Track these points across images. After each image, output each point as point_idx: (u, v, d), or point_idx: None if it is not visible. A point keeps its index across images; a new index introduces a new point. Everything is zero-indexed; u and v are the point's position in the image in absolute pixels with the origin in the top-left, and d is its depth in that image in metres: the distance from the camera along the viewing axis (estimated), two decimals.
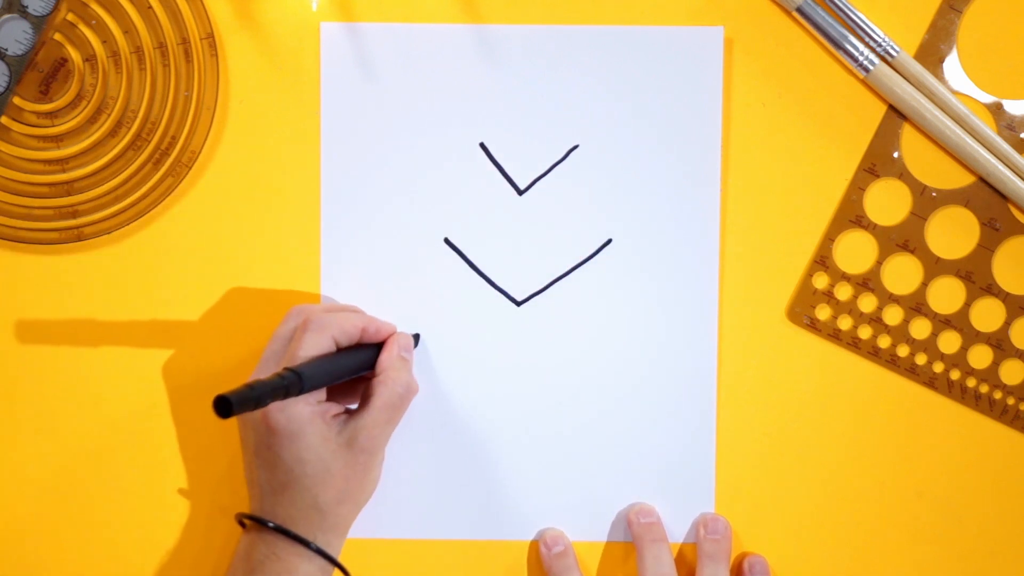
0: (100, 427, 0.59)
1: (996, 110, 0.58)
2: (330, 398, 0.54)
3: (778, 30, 0.58)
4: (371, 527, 0.59)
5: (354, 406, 0.55)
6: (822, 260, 0.59)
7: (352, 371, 0.54)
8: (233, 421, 0.55)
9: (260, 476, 0.52)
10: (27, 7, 0.56)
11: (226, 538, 0.59)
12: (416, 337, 0.59)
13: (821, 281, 0.59)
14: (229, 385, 0.58)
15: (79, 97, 0.57)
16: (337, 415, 0.53)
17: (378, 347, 0.55)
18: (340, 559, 0.53)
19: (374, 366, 0.55)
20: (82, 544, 0.60)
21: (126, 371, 0.59)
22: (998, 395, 0.59)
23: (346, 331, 0.54)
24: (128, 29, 0.57)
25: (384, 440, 0.54)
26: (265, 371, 0.53)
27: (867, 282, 0.59)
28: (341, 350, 0.54)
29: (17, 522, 0.59)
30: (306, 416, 0.51)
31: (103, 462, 0.59)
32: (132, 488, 0.60)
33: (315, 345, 0.52)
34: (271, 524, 0.52)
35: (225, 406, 0.44)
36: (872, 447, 0.59)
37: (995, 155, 0.58)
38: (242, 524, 0.54)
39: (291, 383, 0.48)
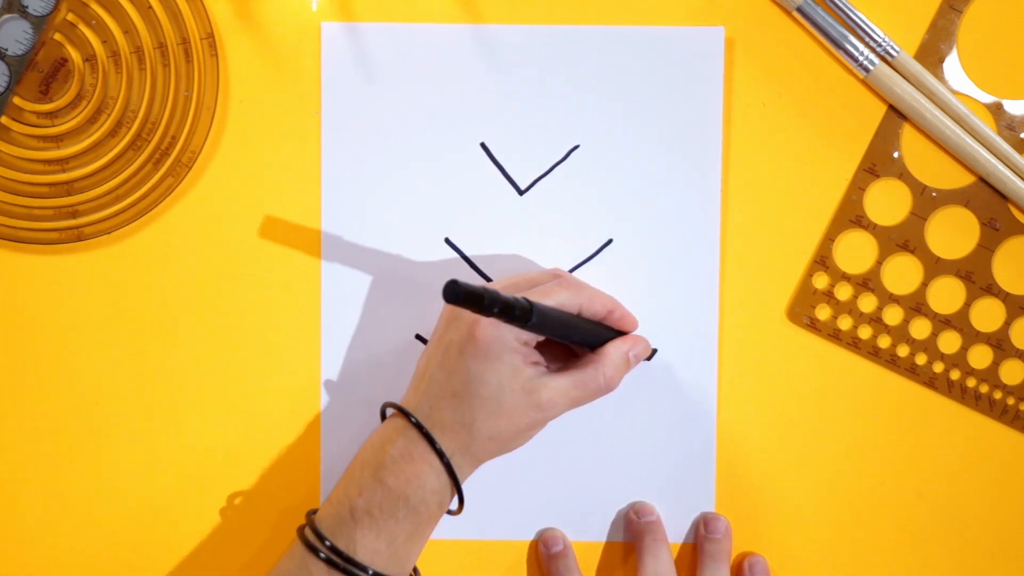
0: (100, 427, 0.59)
1: (996, 110, 0.58)
2: (542, 351, 0.54)
3: (778, 30, 0.58)
4: None
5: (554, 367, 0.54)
6: (822, 260, 0.59)
7: (580, 339, 0.53)
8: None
9: (436, 375, 0.52)
10: (27, 7, 0.56)
11: (226, 536, 0.59)
12: (654, 352, 0.59)
13: (821, 281, 0.59)
14: (229, 388, 0.59)
15: (79, 97, 0.57)
16: (537, 363, 0.52)
17: (614, 334, 0.55)
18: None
19: (595, 348, 0.54)
20: (83, 544, 0.60)
21: (126, 371, 0.59)
22: (998, 395, 0.59)
23: (594, 303, 0.53)
24: (128, 29, 0.57)
25: (561, 410, 0.52)
26: (510, 286, 0.53)
27: (867, 282, 0.59)
28: (582, 318, 0.53)
29: (17, 522, 0.59)
30: (511, 345, 0.51)
31: (103, 462, 0.59)
32: (132, 488, 0.59)
33: (562, 301, 0.52)
34: (423, 428, 0.51)
35: (454, 293, 0.43)
36: (872, 447, 0.59)
37: (995, 155, 0.58)
38: (383, 414, 0.53)
39: (522, 311, 0.46)
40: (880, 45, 0.57)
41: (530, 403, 0.51)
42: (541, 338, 0.53)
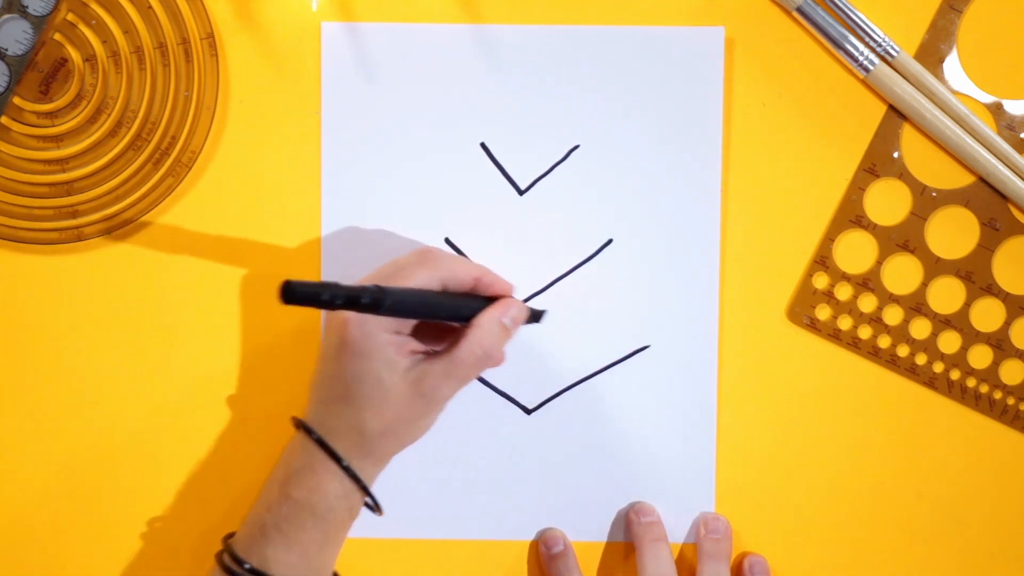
0: (100, 427, 0.59)
1: (996, 110, 0.58)
2: (422, 337, 0.53)
3: (778, 30, 0.58)
4: (372, 527, 0.59)
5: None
6: (822, 260, 0.59)
7: (445, 315, 0.52)
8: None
9: (322, 382, 0.52)
10: (27, 7, 0.56)
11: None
12: (540, 314, 0.57)
13: (821, 281, 0.59)
14: (230, 385, 0.59)
15: (79, 97, 0.57)
16: (415, 352, 0.52)
17: (485, 303, 0.53)
18: (374, 493, 0.52)
19: (470, 320, 0.53)
20: (83, 544, 0.60)
21: (126, 371, 0.59)
22: (998, 395, 0.59)
23: (457, 275, 0.52)
24: (128, 29, 0.57)
25: (448, 392, 0.52)
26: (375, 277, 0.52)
27: (867, 282, 0.59)
28: (446, 293, 0.52)
29: (17, 522, 0.59)
30: (381, 340, 0.50)
31: (103, 462, 0.59)
32: (133, 488, 0.59)
33: (423, 279, 0.51)
34: (314, 435, 0.51)
35: (290, 294, 0.42)
36: (872, 447, 0.59)
37: (995, 155, 0.58)
38: (296, 427, 0.53)
39: (371, 298, 0.45)
40: (880, 45, 0.57)
41: (414, 393, 0.51)
42: (413, 323, 0.52)
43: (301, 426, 0.52)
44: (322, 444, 0.51)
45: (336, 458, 0.51)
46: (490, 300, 0.53)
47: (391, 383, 0.51)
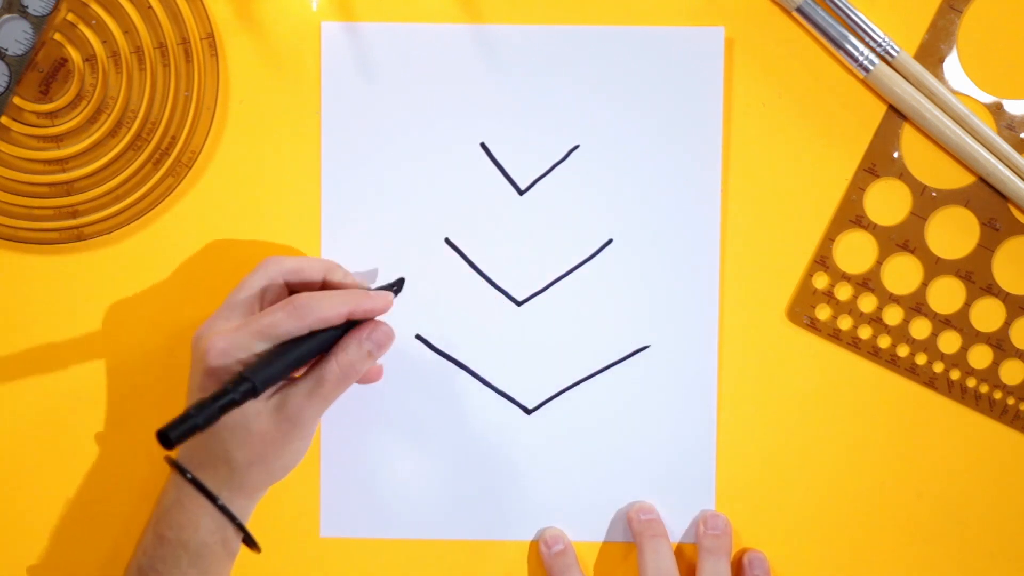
0: (101, 427, 0.59)
1: (996, 110, 0.58)
2: None
3: (778, 30, 0.58)
4: (372, 527, 0.59)
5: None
6: (822, 260, 0.59)
7: (316, 354, 0.52)
8: None
9: None
10: (27, 7, 0.56)
11: None
12: (400, 282, 0.56)
13: (821, 281, 0.59)
14: None
15: (79, 97, 0.57)
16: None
17: (340, 332, 0.53)
18: (254, 528, 0.52)
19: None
20: (83, 543, 0.60)
21: (126, 371, 0.59)
22: (998, 395, 0.59)
23: (328, 321, 0.51)
24: (128, 29, 0.57)
25: (311, 414, 0.51)
26: (228, 319, 0.51)
27: (867, 282, 0.59)
28: (305, 338, 0.51)
29: (18, 522, 0.59)
30: (240, 369, 0.49)
31: (104, 462, 0.59)
32: (134, 488, 0.59)
33: (289, 332, 0.50)
34: (188, 474, 0.51)
35: (167, 441, 0.44)
36: (872, 447, 0.59)
37: (995, 155, 0.58)
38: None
39: (244, 395, 0.47)
40: (880, 45, 0.57)
41: (278, 417, 0.50)
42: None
43: (171, 463, 0.52)
44: (191, 480, 0.50)
45: (207, 493, 0.50)
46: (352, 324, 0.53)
47: (253, 411, 0.50)
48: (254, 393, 0.47)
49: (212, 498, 0.50)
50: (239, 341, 0.50)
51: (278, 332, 0.50)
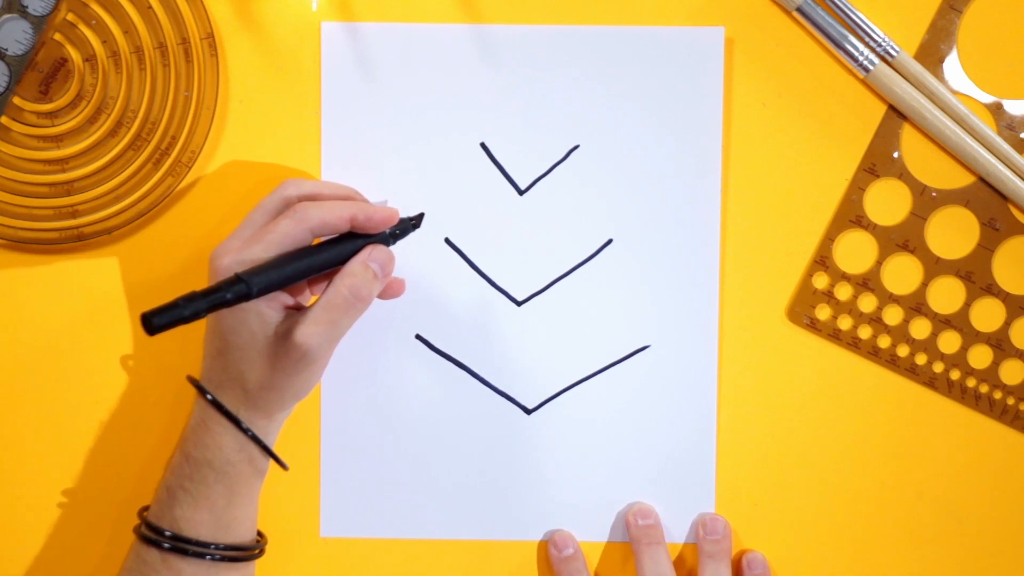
0: (101, 427, 0.59)
1: (996, 110, 0.58)
2: (292, 291, 0.53)
3: (778, 30, 0.58)
4: (372, 526, 0.59)
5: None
6: (822, 260, 0.59)
7: (317, 271, 0.51)
8: None
9: (206, 337, 0.52)
10: (27, 7, 0.56)
11: None
12: (419, 218, 0.56)
13: (821, 281, 0.59)
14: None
15: (79, 97, 0.57)
16: (287, 305, 0.52)
17: (358, 243, 0.52)
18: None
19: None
20: (82, 542, 0.60)
21: (126, 371, 0.59)
22: (998, 395, 0.59)
23: (329, 224, 0.51)
24: (128, 29, 0.57)
25: (322, 341, 0.50)
26: (241, 237, 0.51)
27: (867, 282, 0.59)
28: (311, 249, 0.51)
29: (18, 523, 0.59)
30: None
31: (104, 462, 0.59)
32: (136, 488, 0.59)
33: (290, 236, 0.50)
34: (207, 394, 0.51)
35: (150, 325, 0.43)
36: (872, 447, 0.59)
37: (995, 155, 0.58)
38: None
39: (236, 295, 0.46)
40: (880, 45, 0.57)
41: (287, 345, 0.50)
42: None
43: (193, 382, 0.53)
44: (211, 400, 0.51)
45: (223, 411, 0.51)
46: (363, 238, 0.52)
47: (263, 335, 0.50)
48: (247, 295, 0.47)
49: (230, 416, 0.51)
50: (243, 252, 0.50)
51: (279, 237, 0.50)
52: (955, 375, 0.59)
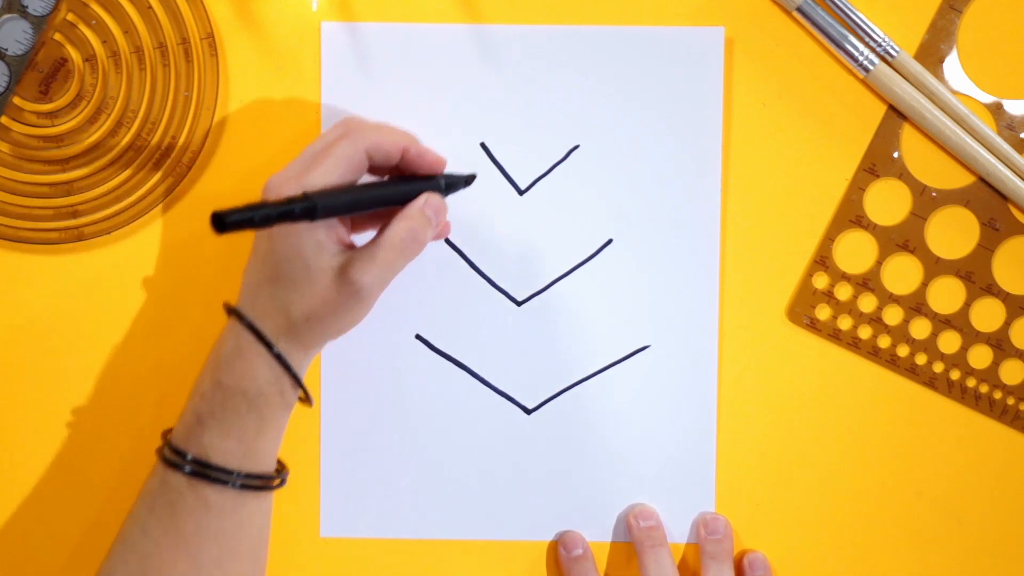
0: (101, 427, 0.59)
1: (996, 110, 0.58)
2: (357, 224, 0.53)
3: (778, 30, 0.58)
4: (372, 527, 0.59)
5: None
6: (822, 260, 0.59)
7: (375, 206, 0.52)
8: None
9: (252, 265, 0.52)
10: (27, 7, 0.56)
11: None
12: (471, 178, 0.56)
13: (821, 281, 0.59)
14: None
15: (79, 97, 0.57)
16: (344, 241, 0.52)
17: (415, 187, 0.53)
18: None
19: (406, 203, 0.52)
20: (82, 542, 0.60)
21: (126, 371, 0.59)
22: (998, 395, 0.59)
23: (383, 146, 0.52)
24: (128, 29, 0.57)
25: (375, 280, 0.51)
26: (298, 166, 0.51)
27: (867, 282, 0.59)
28: (373, 183, 0.52)
29: (18, 523, 0.59)
30: (311, 223, 0.50)
31: (104, 462, 0.59)
32: (132, 486, 0.59)
33: (344, 158, 0.50)
34: (244, 319, 0.51)
35: (221, 224, 0.43)
36: (872, 447, 0.59)
37: (995, 155, 0.58)
38: (227, 312, 0.53)
39: (303, 209, 0.46)
40: (880, 45, 0.57)
41: (341, 280, 0.50)
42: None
43: (231, 310, 0.52)
44: (250, 327, 0.51)
45: (264, 341, 0.50)
46: (421, 182, 0.53)
47: (318, 266, 0.50)
48: (313, 212, 0.46)
49: (269, 346, 0.51)
50: (302, 179, 0.50)
51: (335, 160, 0.50)
52: (955, 375, 0.59)
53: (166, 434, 0.53)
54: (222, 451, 0.50)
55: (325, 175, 0.50)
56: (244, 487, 0.51)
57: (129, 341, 0.59)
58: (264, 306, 0.51)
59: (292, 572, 0.60)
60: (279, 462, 0.54)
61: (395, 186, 0.53)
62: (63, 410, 0.59)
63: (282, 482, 0.53)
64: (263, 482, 0.52)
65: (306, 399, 0.53)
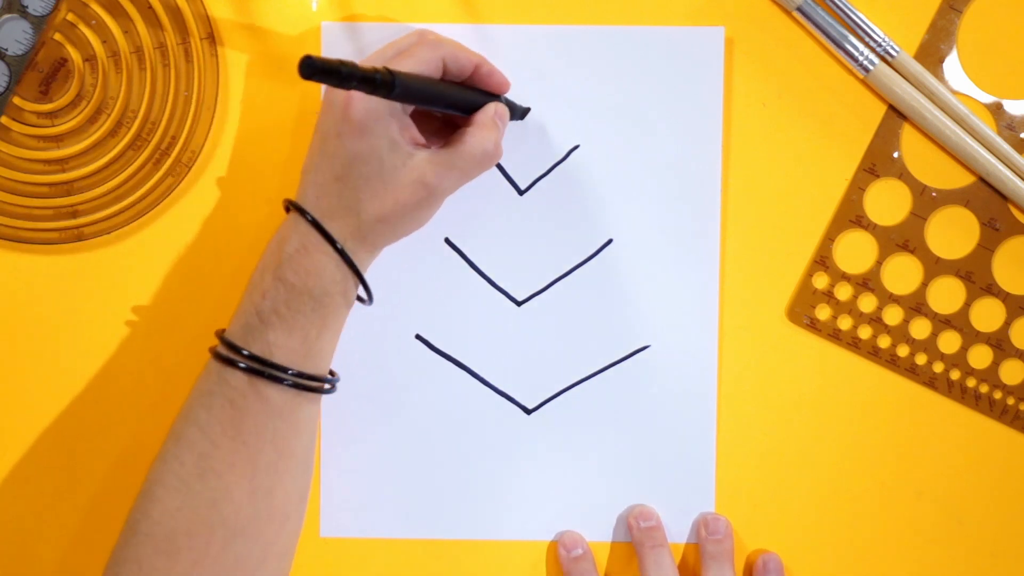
0: (100, 427, 0.59)
1: (996, 110, 0.58)
2: (418, 129, 0.53)
3: (778, 30, 0.58)
4: (372, 527, 0.59)
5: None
6: (822, 260, 0.59)
7: (448, 103, 0.52)
8: None
9: (319, 163, 0.51)
10: (27, 7, 0.56)
11: None
12: (526, 111, 0.58)
13: (821, 281, 0.59)
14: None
15: (79, 97, 0.57)
16: (416, 140, 0.52)
17: (482, 98, 0.54)
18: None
19: (469, 113, 0.53)
20: (82, 541, 0.60)
21: (126, 371, 0.59)
22: (998, 395, 0.59)
23: (458, 58, 0.52)
24: (128, 29, 0.57)
25: (448, 185, 0.51)
26: (378, 59, 0.52)
27: (867, 282, 0.59)
28: (447, 82, 0.52)
29: (18, 523, 0.59)
30: (386, 121, 0.50)
31: (104, 462, 0.59)
32: (133, 486, 0.59)
33: (423, 60, 0.51)
34: (308, 216, 0.50)
35: (310, 67, 0.43)
36: (872, 447, 0.59)
37: (995, 155, 0.58)
38: (287, 209, 0.52)
39: (383, 80, 0.46)
40: (880, 45, 0.57)
41: (414, 181, 0.50)
42: (411, 111, 0.52)
43: (295, 208, 0.51)
44: (316, 226, 0.50)
45: (331, 240, 0.50)
46: (486, 95, 0.54)
47: (393, 165, 0.50)
48: (391, 87, 0.46)
49: (337, 247, 0.50)
50: (375, 61, 0.50)
51: (415, 61, 0.51)
52: (955, 375, 0.59)
53: (220, 333, 0.52)
54: (287, 350, 0.50)
55: (405, 70, 0.50)
56: (300, 387, 0.50)
57: (129, 341, 0.59)
58: (331, 205, 0.50)
59: (292, 572, 0.59)
60: (332, 371, 0.53)
61: (467, 91, 0.54)
62: (63, 410, 0.59)
63: (333, 387, 0.53)
64: (317, 384, 0.51)
65: (368, 298, 0.52)
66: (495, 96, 0.55)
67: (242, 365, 0.50)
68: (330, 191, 0.50)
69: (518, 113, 0.57)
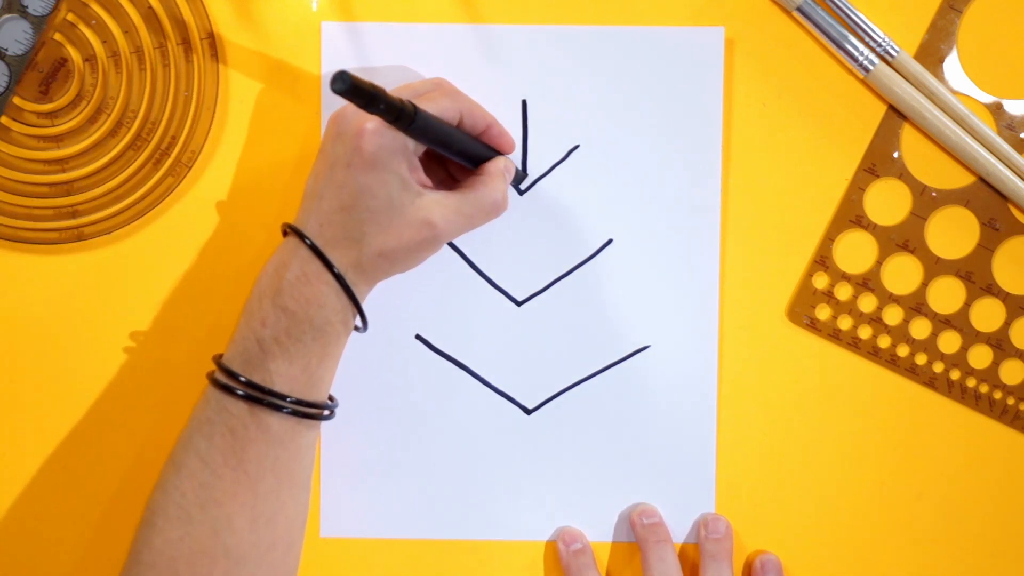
0: (100, 426, 0.59)
1: (996, 110, 0.58)
2: (424, 171, 0.53)
3: (778, 30, 0.58)
4: (372, 527, 0.59)
5: None
6: (822, 260, 0.59)
7: (460, 150, 0.53)
8: None
9: (325, 191, 0.51)
10: (27, 7, 0.56)
11: None
12: (523, 177, 0.59)
13: (821, 281, 0.59)
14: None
15: (79, 97, 0.57)
16: (423, 182, 0.52)
17: (491, 152, 0.55)
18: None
19: (475, 166, 0.55)
20: (82, 541, 0.60)
21: (126, 371, 0.59)
22: (998, 395, 0.59)
23: (474, 114, 0.54)
24: (128, 29, 0.57)
25: (452, 230, 0.52)
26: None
27: (867, 282, 0.59)
28: (460, 133, 0.53)
29: (18, 522, 0.59)
30: (397, 157, 0.50)
31: (104, 462, 0.59)
32: (137, 489, 0.59)
33: (443, 107, 0.52)
34: (307, 241, 0.50)
35: (342, 82, 0.43)
36: (872, 447, 0.59)
37: (995, 155, 0.58)
38: (284, 233, 0.52)
39: (406, 113, 0.47)
40: (880, 45, 0.57)
41: (422, 219, 0.50)
42: (422, 151, 0.52)
43: (296, 233, 0.51)
44: (319, 255, 0.50)
45: (332, 270, 0.50)
46: (494, 151, 0.55)
47: (401, 202, 0.50)
48: (411, 120, 0.47)
49: (340, 278, 0.50)
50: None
51: (435, 108, 0.51)
52: (955, 375, 0.59)
53: (218, 359, 0.52)
54: (288, 379, 0.50)
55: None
56: (300, 414, 0.50)
57: (129, 341, 0.59)
58: (335, 234, 0.50)
59: None
60: (331, 397, 0.54)
61: (478, 143, 0.54)
62: (63, 410, 0.59)
63: (331, 414, 0.53)
64: (316, 411, 0.51)
65: (363, 327, 0.53)
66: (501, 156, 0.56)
67: (241, 393, 0.50)
68: (334, 220, 0.50)
69: (517, 177, 0.58)
